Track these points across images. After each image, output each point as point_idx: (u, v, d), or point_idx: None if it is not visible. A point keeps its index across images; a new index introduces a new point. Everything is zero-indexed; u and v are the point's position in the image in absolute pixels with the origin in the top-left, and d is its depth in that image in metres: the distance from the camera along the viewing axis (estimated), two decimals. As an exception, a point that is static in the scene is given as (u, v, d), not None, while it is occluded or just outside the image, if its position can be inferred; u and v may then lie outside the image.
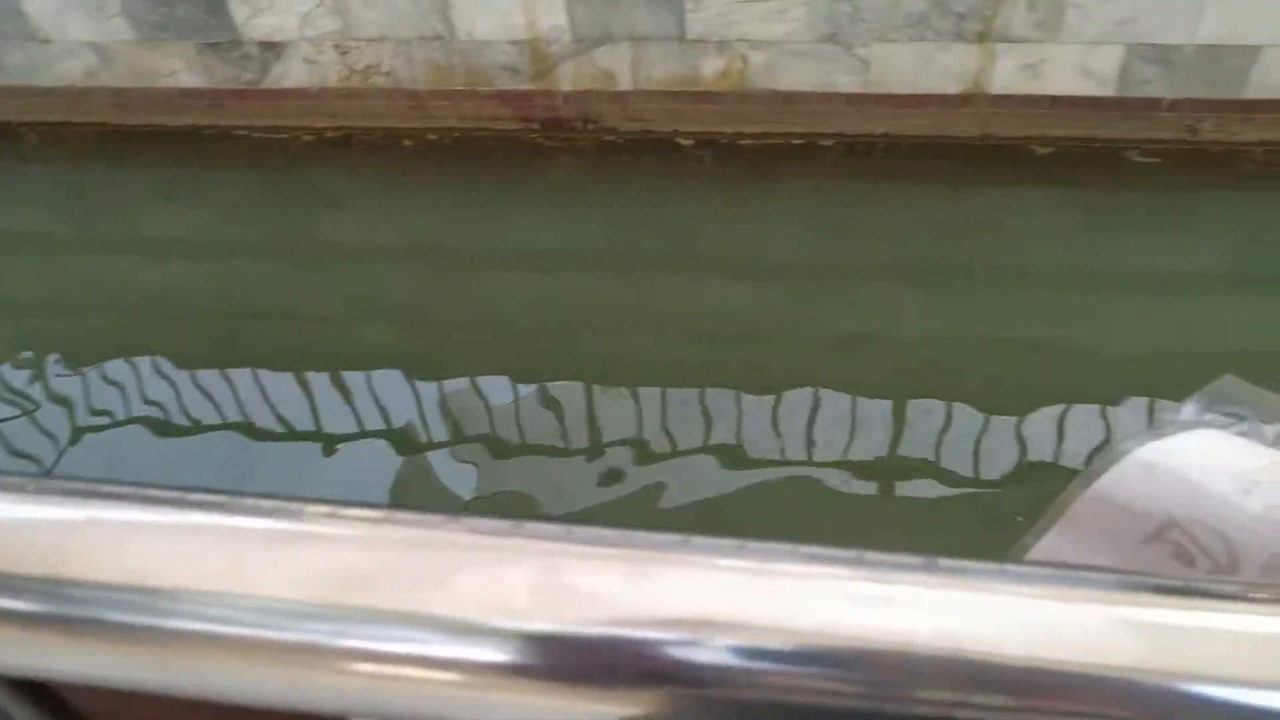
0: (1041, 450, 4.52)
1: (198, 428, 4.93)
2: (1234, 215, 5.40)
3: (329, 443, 4.87)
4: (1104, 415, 4.59)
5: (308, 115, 6.18)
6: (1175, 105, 5.45)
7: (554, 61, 5.78)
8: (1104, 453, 1.02)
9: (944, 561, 0.54)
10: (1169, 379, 4.77)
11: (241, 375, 5.09)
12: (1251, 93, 5.35)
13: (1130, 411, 4.60)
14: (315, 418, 4.93)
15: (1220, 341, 4.88)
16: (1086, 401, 4.63)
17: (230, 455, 4.83)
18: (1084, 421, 4.58)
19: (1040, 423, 4.61)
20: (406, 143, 6.15)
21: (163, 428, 4.93)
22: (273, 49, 5.98)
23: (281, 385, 5.07)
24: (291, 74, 6.05)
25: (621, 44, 5.67)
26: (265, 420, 4.93)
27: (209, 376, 5.14)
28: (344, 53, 5.92)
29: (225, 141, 6.31)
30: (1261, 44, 5.16)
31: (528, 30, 5.68)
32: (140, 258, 5.91)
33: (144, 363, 5.23)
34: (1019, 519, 4.23)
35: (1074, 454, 4.47)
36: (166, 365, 5.21)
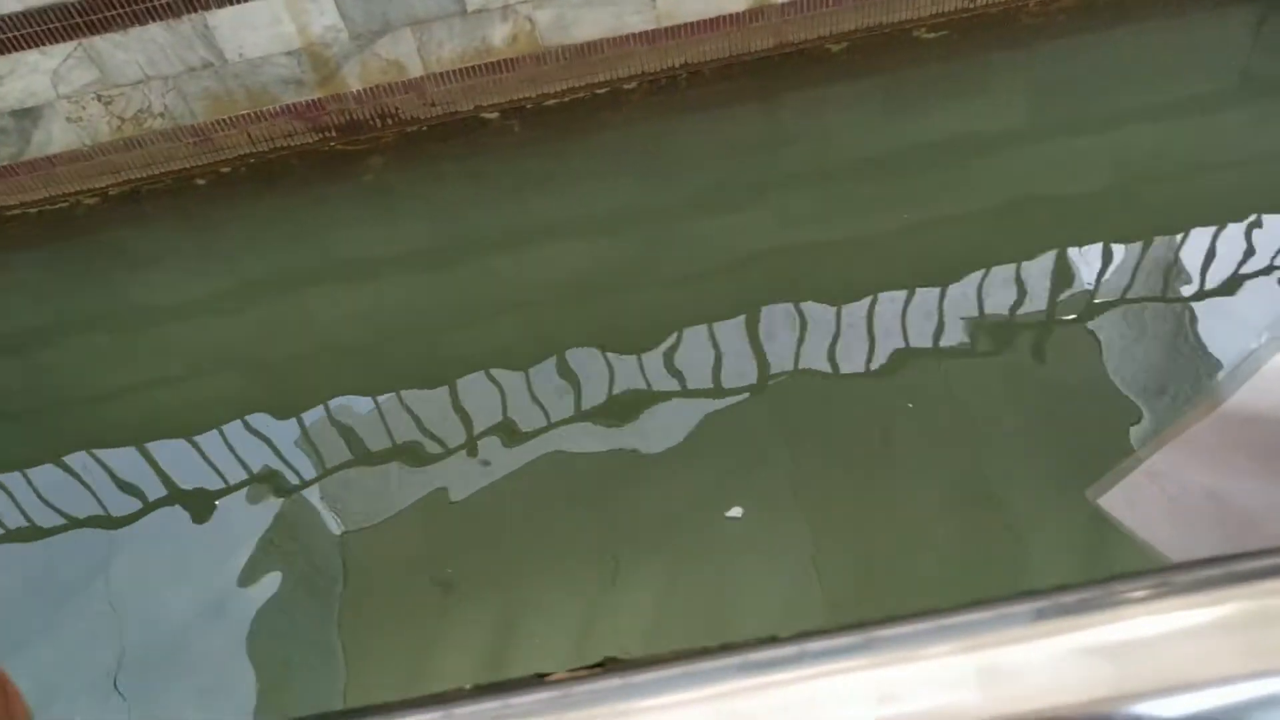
0: (902, 335, 4.62)
1: (54, 529, 4.57)
2: (1022, 69, 5.63)
3: (198, 507, 4.59)
4: (948, 292, 4.73)
5: (85, 177, 5.76)
6: (949, -22, 5.62)
7: (336, 64, 5.54)
8: (1231, 372, 1.01)
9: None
10: (1005, 238, 4.96)
11: (79, 460, 4.75)
12: (1015, -49, 5.56)
13: (969, 285, 4.76)
14: (171, 486, 4.64)
15: (1032, 187, 5.08)
16: (928, 281, 4.76)
17: (96, 544, 4.51)
18: (927, 301, 4.71)
19: (887, 305, 4.72)
20: (200, 181, 5.81)
21: (21, 533, 4.55)
22: (29, 115, 5.53)
23: (129, 461, 4.75)
24: (56, 138, 5.62)
25: (403, 31, 5.47)
26: (122, 507, 4.62)
27: (47, 473, 4.77)
28: (108, 103, 5.52)
29: (1, 225, 5.81)
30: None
31: (300, 37, 5.42)
32: (-63, 369, 5.42)
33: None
34: (909, 406, 4.34)
35: (929, 332, 4.60)
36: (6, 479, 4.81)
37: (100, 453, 4.80)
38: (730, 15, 5.59)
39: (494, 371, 4.80)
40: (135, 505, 4.61)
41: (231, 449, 4.76)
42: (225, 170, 5.81)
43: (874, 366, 4.58)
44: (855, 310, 4.73)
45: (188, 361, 5.19)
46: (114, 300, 5.53)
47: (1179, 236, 4.88)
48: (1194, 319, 4.64)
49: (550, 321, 5.02)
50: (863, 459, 4.30)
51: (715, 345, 4.71)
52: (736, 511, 4.19)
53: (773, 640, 0.56)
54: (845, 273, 4.90)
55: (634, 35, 5.59)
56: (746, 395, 4.53)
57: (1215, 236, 4.82)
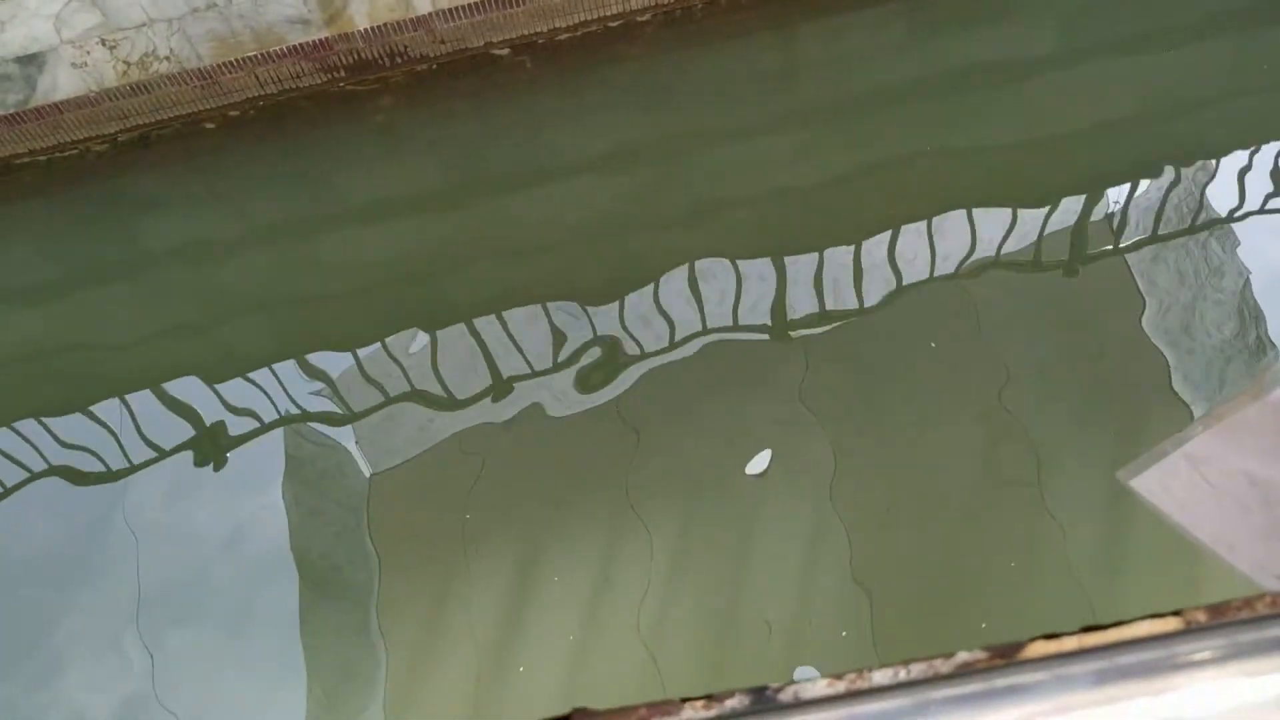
0: (929, 268, 4.58)
1: (76, 473, 4.64)
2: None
3: (215, 450, 4.64)
4: (969, 216, 4.67)
5: (94, 123, 5.73)
6: (973, -103, 5.45)
7: (344, 2, 5.44)
8: (1274, 366, 0.98)
9: None
10: (1032, 168, 4.87)
11: (109, 409, 4.81)
12: None
13: (998, 215, 4.69)
14: (197, 426, 4.69)
15: (1059, 115, 4.98)
16: (951, 207, 4.70)
17: (115, 487, 4.57)
18: (953, 231, 4.66)
19: (913, 235, 4.66)
20: (209, 125, 5.77)
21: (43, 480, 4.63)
22: (33, 61, 5.49)
23: (151, 406, 4.81)
24: (62, 84, 5.57)
25: (408, -34, 5.36)
26: (141, 452, 4.68)
27: (71, 421, 4.83)
28: (112, 47, 5.47)
29: (10, 174, 5.81)
30: None
31: (305, -26, 5.32)
32: (-45, 320, 5.46)
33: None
34: (932, 345, 4.30)
35: (953, 263, 4.55)
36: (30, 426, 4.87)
37: (124, 398, 4.84)
38: (746, -59, 5.45)
39: (508, 314, 4.78)
40: (150, 453, 4.67)
41: (247, 391, 4.81)
42: (234, 114, 5.76)
43: (898, 301, 4.54)
44: (876, 244, 4.68)
45: (201, 306, 5.24)
46: (127, 247, 5.54)
47: (1212, 163, 4.78)
48: (1229, 263, 4.58)
49: (568, 260, 5.00)
50: (886, 399, 4.28)
51: (738, 279, 4.67)
52: (764, 458, 4.17)
53: (762, 691, 0.53)
54: (866, 205, 4.85)
55: (648, -36, 5.46)
56: (766, 335, 4.51)
57: (1250, 161, 4.73)
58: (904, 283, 4.57)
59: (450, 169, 5.57)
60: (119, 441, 4.75)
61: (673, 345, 4.55)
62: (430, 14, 5.51)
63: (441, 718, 3.77)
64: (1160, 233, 4.57)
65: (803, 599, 3.87)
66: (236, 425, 4.71)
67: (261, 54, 5.54)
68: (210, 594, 4.19)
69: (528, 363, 4.60)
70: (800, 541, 3.99)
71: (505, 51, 5.71)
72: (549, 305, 4.77)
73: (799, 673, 3.72)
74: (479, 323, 4.83)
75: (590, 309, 4.75)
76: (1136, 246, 4.54)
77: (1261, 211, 4.57)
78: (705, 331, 4.58)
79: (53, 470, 4.70)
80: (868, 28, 5.53)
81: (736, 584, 3.93)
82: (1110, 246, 4.56)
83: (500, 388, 4.57)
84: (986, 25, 5.42)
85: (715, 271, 4.73)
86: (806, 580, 3.91)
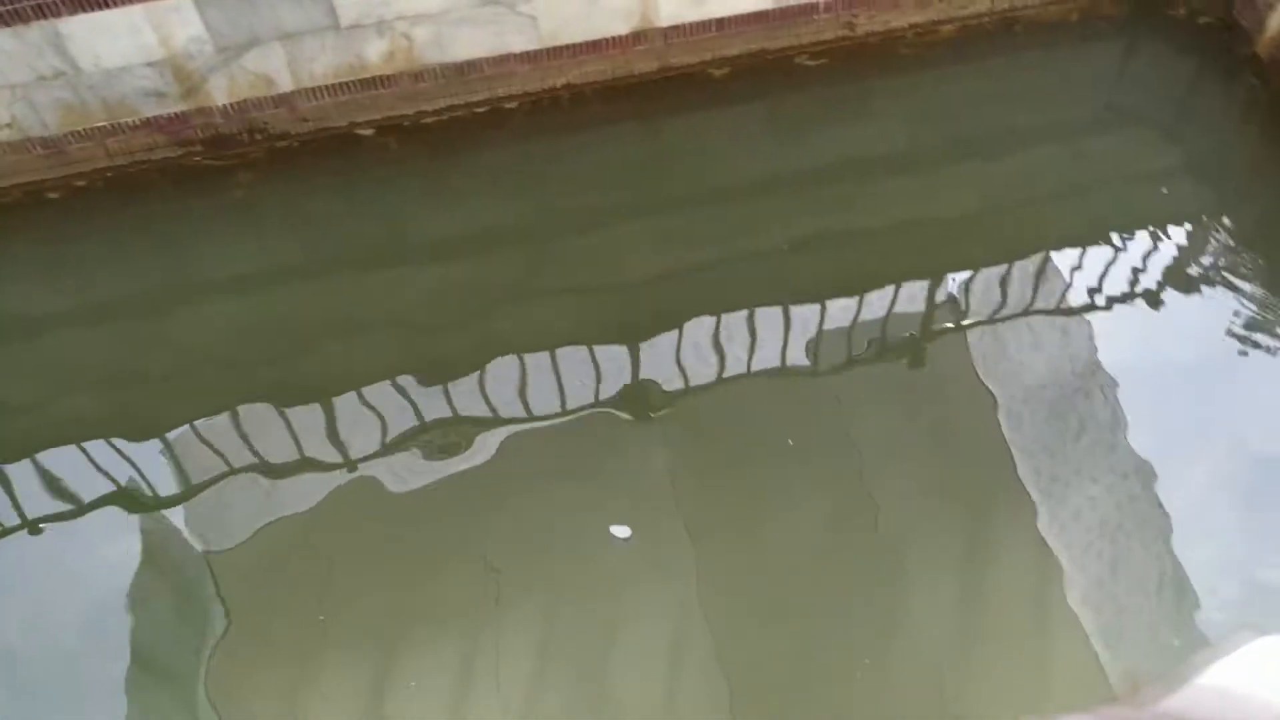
0: (780, 356, 4.72)
1: None
2: (900, 97, 5.82)
3: (33, 530, 4.39)
4: (822, 306, 4.85)
5: (-76, 188, 5.46)
6: (830, 6, 5.77)
7: (201, 76, 5.39)
8: (1162, 679, 1.02)
9: None
10: (881, 259, 5.09)
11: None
12: (895, -19, 5.74)
13: (847, 304, 4.88)
14: (17, 509, 4.44)
15: (909, 212, 5.26)
16: (805, 299, 4.88)
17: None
18: (804, 316, 4.84)
19: (769, 321, 4.81)
20: (52, 195, 5.57)
21: None
22: None
23: None
24: (-107, 146, 5.31)
25: (272, 45, 5.36)
26: None
27: None
28: (-49, 111, 5.25)
29: None
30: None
31: (163, 47, 5.26)
32: None
33: None
34: (790, 443, 4.39)
35: (804, 350, 4.71)
36: None
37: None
38: (613, 38, 5.64)
39: (365, 390, 4.71)
40: None
41: (89, 468, 4.66)
42: (80, 184, 5.59)
43: (754, 389, 4.65)
44: (735, 326, 4.81)
45: (42, 379, 5.04)
46: (-46, 319, 5.25)
47: (1044, 255, 5.08)
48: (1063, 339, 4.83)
49: (426, 338, 4.99)
50: (747, 481, 4.35)
51: (595, 365, 4.71)
52: (624, 531, 4.19)
53: None
54: (724, 294, 4.98)
55: (515, 55, 5.60)
56: (627, 416, 4.55)
57: (1081, 255, 5.06)
58: (758, 368, 4.70)
59: (310, 245, 5.50)
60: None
61: (531, 418, 4.57)
62: (293, 92, 5.49)
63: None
64: (998, 316, 4.83)
65: (664, 685, 3.86)
66: (60, 503, 4.49)
67: (112, 124, 5.42)
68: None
69: (381, 436, 4.54)
70: (659, 623, 3.99)
71: (370, 132, 5.72)
72: (405, 380, 4.76)
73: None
74: (333, 398, 4.75)
75: (449, 385, 4.72)
76: (976, 325, 4.79)
77: (1093, 306, 4.88)
78: (565, 413, 4.60)
79: None
80: (730, 124, 5.76)
81: (599, 673, 3.89)
82: (953, 325, 4.80)
83: (350, 464, 4.48)
84: (840, 125, 5.72)
85: (577, 354, 4.77)
86: (668, 665, 3.91)
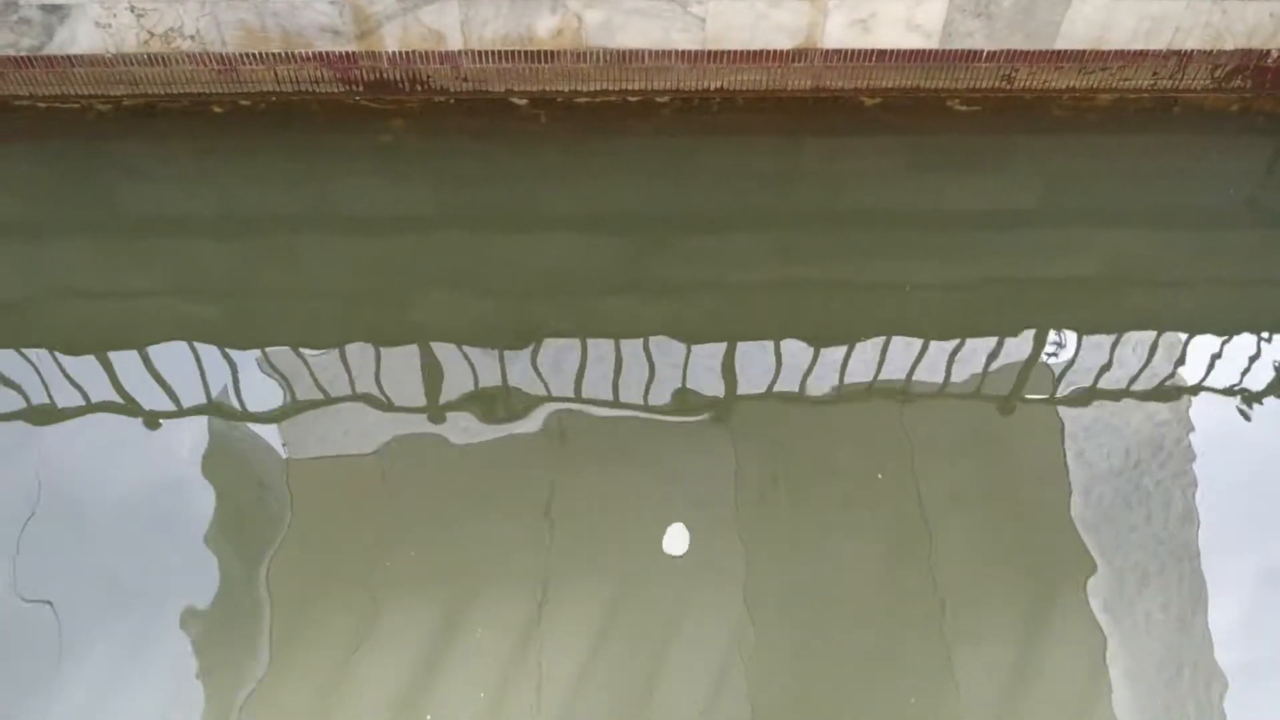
0: (869, 386, 4.80)
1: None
2: (1043, 156, 5.87)
3: (149, 418, 4.62)
4: (924, 345, 4.91)
5: (102, 84, 5.82)
6: (993, 56, 5.83)
7: (378, 22, 5.65)
8: None
9: None
10: (990, 312, 5.14)
11: (40, 356, 4.77)
12: (1061, 44, 5.78)
13: (945, 348, 4.94)
14: (124, 395, 4.66)
15: (1028, 270, 5.30)
16: (908, 334, 4.95)
17: (28, 441, 4.51)
18: (906, 350, 4.88)
19: (866, 351, 4.88)
20: (217, 109, 5.89)
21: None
22: (56, 11, 5.58)
23: (83, 365, 4.78)
24: (80, 39, 5.67)
25: (450, 3, 5.59)
26: (68, 398, 4.64)
27: (6, 359, 4.78)
28: (140, 15, 5.59)
29: (5, 113, 5.83)
30: (1064, -4, 5.60)
31: (347, -12, 5.51)
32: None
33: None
34: (880, 477, 4.45)
35: (898, 386, 4.77)
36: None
37: (54, 353, 4.84)
38: (774, 51, 5.77)
39: (466, 348, 4.87)
40: (81, 404, 4.68)
41: (193, 368, 4.90)
42: (245, 103, 5.90)
43: (835, 413, 4.74)
44: (831, 348, 4.90)
45: (167, 278, 5.32)
46: (106, 207, 5.63)
47: (1153, 337, 5.08)
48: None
49: (529, 306, 5.15)
50: (810, 503, 4.43)
51: (686, 362, 4.82)
52: (681, 533, 4.29)
53: None
54: (830, 314, 5.10)
55: (677, 52, 5.75)
56: (708, 417, 4.67)
57: (1185, 345, 5.04)
58: (844, 394, 4.80)
59: (442, 199, 5.73)
60: (48, 390, 4.71)
61: (613, 402, 4.73)
62: (459, 51, 5.72)
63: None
64: (1093, 388, 4.84)
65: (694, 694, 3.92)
66: (164, 399, 4.72)
67: (286, 53, 5.70)
68: (104, 548, 4.28)
69: (469, 391, 4.75)
70: (699, 625, 4.07)
71: (523, 102, 5.93)
72: (498, 342, 4.96)
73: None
74: (428, 349, 4.96)
75: (539, 356, 4.87)
76: (1069, 395, 4.82)
77: (1189, 399, 4.86)
78: (647, 408, 4.71)
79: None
80: (871, 153, 5.86)
81: (646, 672, 4.00)
82: (1046, 390, 4.83)
83: (435, 413, 4.65)
84: (978, 174, 5.78)
85: (669, 347, 4.89)
86: (702, 673, 3.98)
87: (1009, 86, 5.99)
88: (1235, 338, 5.12)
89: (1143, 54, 5.87)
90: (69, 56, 5.72)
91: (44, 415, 4.69)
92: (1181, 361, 5.03)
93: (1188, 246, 5.51)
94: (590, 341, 4.95)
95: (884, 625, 4.12)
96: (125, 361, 4.89)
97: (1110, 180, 5.80)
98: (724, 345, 4.93)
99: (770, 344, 4.93)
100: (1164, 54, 5.88)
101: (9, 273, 5.27)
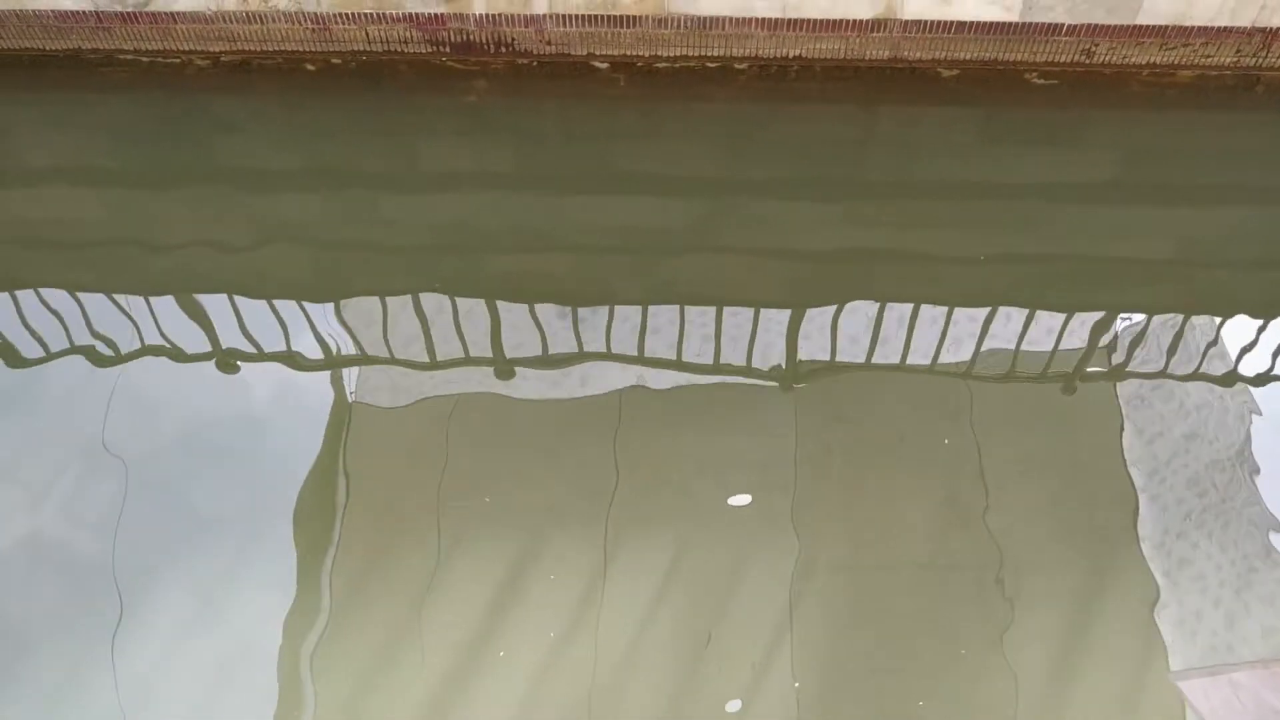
0: (932, 355, 4.95)
1: (55, 353, 4.95)
2: (1120, 133, 5.99)
3: (228, 365, 4.93)
4: (989, 318, 5.07)
5: (202, 39, 6.21)
6: (1073, 30, 5.94)
7: (466, -16, 5.90)
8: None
9: None
10: (1057, 287, 5.28)
11: (134, 302, 5.13)
12: (1143, 18, 5.87)
13: (1014, 323, 5.09)
14: (213, 341, 5.00)
15: (1100, 247, 5.42)
16: (973, 305, 5.11)
17: (113, 382, 4.88)
18: (970, 321, 5.05)
19: (929, 319, 5.07)
20: (309, 67, 6.26)
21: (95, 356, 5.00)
22: (161, -31, 5.91)
23: (174, 313, 5.15)
24: (183, -4, 6.00)
25: (534, -33, 5.82)
26: (153, 340, 5.14)
27: (97, 302, 5.15)
28: (240, -27, 5.89)
29: (111, 67, 6.29)
30: (1147, -31, 5.68)
31: (436, -49, 5.77)
32: (24, 189, 5.81)
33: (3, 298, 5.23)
34: (946, 442, 4.63)
35: (964, 355, 4.93)
36: (52, 298, 5.18)
37: (149, 299, 5.20)
38: (854, 21, 5.95)
39: (538, 306, 5.13)
40: (164, 345, 5.10)
41: (271, 318, 5.27)
42: (336, 61, 6.25)
43: (900, 385, 4.94)
44: (897, 319, 5.09)
45: (252, 228, 5.73)
46: (200, 158, 6.03)
47: (1222, 319, 5.16)
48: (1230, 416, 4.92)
49: (603, 267, 5.41)
50: (867, 476, 4.62)
51: (755, 324, 5.04)
52: (741, 499, 4.50)
53: None
54: (898, 284, 5.28)
55: (758, 20, 5.97)
56: (772, 380, 4.87)
57: (1261, 329, 5.12)
58: (909, 365, 4.96)
59: (522, 159, 6.03)
60: (140, 334, 5.06)
61: (679, 364, 5.01)
62: (545, 15, 5.99)
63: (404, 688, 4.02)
64: (1159, 369, 5.00)
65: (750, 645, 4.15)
66: (247, 345, 5.11)
67: (378, 14, 6.01)
68: (189, 478, 4.64)
69: (538, 350, 5.05)
70: (763, 587, 4.30)
71: (604, 66, 6.19)
72: (572, 305, 5.24)
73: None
74: (501, 306, 5.24)
75: (609, 317, 5.15)
76: (1134, 373, 4.96)
77: (1257, 384, 4.96)
78: (716, 368, 4.93)
79: (75, 349, 5.01)
80: (946, 125, 6.05)
81: (703, 622, 4.23)
82: (1111, 368, 4.97)
83: (504, 368, 4.92)
84: (1052, 148, 5.94)
85: (735, 313, 5.18)
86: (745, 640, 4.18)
87: (1088, 61, 6.10)
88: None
89: (1227, 30, 5.95)
90: (172, 13, 6.10)
91: (129, 357, 5.07)
92: (1254, 343, 5.13)
93: (1265, 228, 5.60)
94: (657, 304, 5.25)
95: (929, 601, 4.26)
96: (209, 306, 5.27)
97: (1188, 158, 5.92)
98: (790, 311, 5.15)
99: (833, 309, 5.15)
100: (1249, 31, 5.95)
101: (106, 216, 5.70)
